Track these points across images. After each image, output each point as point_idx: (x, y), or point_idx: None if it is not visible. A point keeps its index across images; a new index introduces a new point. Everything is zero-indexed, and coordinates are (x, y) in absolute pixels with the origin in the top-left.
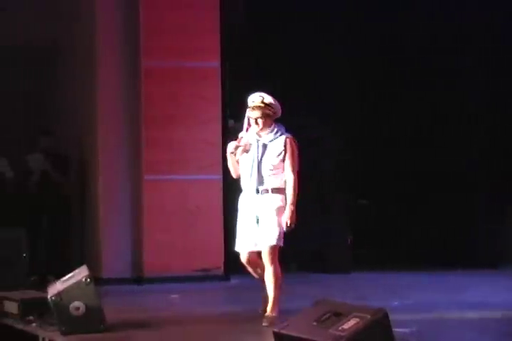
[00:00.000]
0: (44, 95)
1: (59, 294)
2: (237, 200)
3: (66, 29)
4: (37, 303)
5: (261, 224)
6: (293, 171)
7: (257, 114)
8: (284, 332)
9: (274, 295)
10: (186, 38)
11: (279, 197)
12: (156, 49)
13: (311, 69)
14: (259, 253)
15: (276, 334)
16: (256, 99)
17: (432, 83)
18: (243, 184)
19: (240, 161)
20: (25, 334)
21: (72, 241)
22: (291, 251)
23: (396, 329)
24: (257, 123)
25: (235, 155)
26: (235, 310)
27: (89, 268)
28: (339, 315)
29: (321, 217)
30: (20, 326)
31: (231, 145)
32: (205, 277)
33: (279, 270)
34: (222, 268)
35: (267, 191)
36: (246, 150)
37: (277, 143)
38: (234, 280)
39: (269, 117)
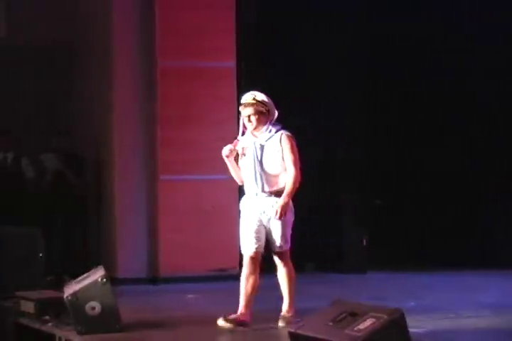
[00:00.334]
0: (61, 95)
1: (75, 294)
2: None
3: (83, 29)
4: (53, 303)
5: (268, 229)
6: (294, 165)
7: (249, 111)
8: (299, 332)
9: (289, 296)
10: (202, 38)
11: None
12: (172, 49)
13: (325, 68)
14: (260, 256)
15: (291, 334)
16: (247, 96)
17: (444, 83)
18: (246, 187)
19: (241, 165)
20: (41, 333)
21: (88, 241)
22: (308, 251)
23: (412, 330)
24: (250, 120)
25: (232, 158)
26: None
27: (105, 268)
28: (355, 315)
29: (337, 217)
30: (36, 325)
31: (226, 149)
32: (220, 277)
33: (293, 270)
34: (238, 268)
35: (270, 194)
36: (243, 154)
37: (274, 141)
38: None
39: (262, 115)
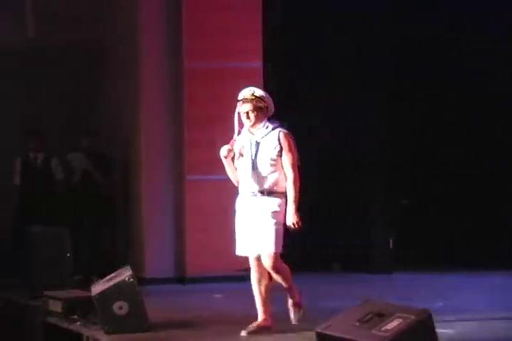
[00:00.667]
0: (88, 96)
1: (103, 293)
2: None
3: (110, 30)
4: (81, 302)
5: (257, 230)
6: (292, 167)
7: (248, 107)
8: (326, 332)
9: (288, 285)
10: (228, 39)
11: (276, 200)
12: (199, 50)
13: (351, 70)
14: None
15: (318, 334)
16: (246, 92)
17: (470, 84)
18: (240, 186)
19: (237, 165)
20: (69, 332)
21: (115, 241)
22: (334, 251)
23: (440, 331)
24: (248, 117)
25: (230, 158)
26: (277, 310)
27: (133, 267)
28: (382, 316)
29: (363, 217)
30: (64, 325)
31: (224, 149)
32: (247, 277)
33: (284, 268)
34: None
35: (263, 193)
36: (241, 154)
37: (270, 138)
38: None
39: (261, 111)
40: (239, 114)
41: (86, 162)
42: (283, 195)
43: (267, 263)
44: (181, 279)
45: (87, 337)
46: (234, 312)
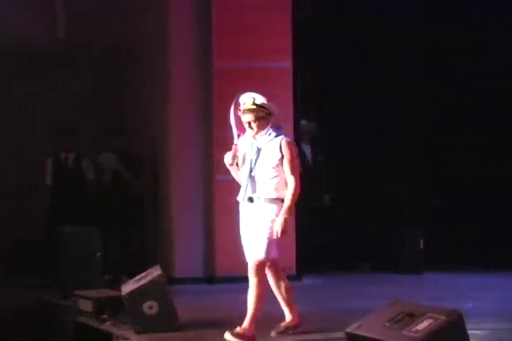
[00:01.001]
0: (118, 96)
1: (132, 293)
2: (309, 201)
3: (140, 30)
4: (111, 302)
5: (251, 235)
6: (294, 175)
7: (250, 117)
8: (356, 332)
9: (252, 312)
10: (258, 38)
11: (273, 207)
12: (228, 50)
13: (381, 69)
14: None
15: (348, 335)
16: (247, 100)
17: (501, 84)
18: (240, 192)
19: (241, 170)
20: (99, 332)
21: (145, 241)
22: (364, 251)
23: (471, 331)
24: (250, 127)
25: (235, 166)
26: (307, 310)
27: (162, 267)
28: (413, 316)
29: (393, 217)
30: (94, 324)
31: (227, 157)
32: None
33: (263, 286)
34: (295, 268)
35: (260, 200)
36: (244, 160)
37: (272, 146)
38: (306, 280)
39: (263, 119)
40: (237, 116)
41: (117, 162)
42: (281, 202)
43: (252, 269)
44: (210, 279)
45: (117, 337)
46: (262, 312)
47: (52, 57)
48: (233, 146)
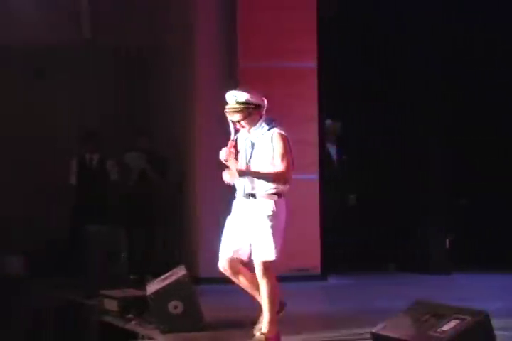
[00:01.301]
0: (143, 95)
1: (157, 293)
2: (334, 201)
3: (165, 30)
4: (136, 301)
5: (252, 235)
6: (283, 161)
7: (237, 117)
8: (382, 333)
9: (269, 316)
10: (283, 38)
11: (270, 203)
12: (253, 50)
13: (407, 68)
14: (240, 261)
15: (374, 335)
16: (229, 99)
17: None
18: (237, 188)
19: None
20: (124, 331)
21: (170, 240)
22: (390, 251)
23: (498, 332)
24: (241, 125)
25: (233, 161)
26: (331, 310)
27: (187, 267)
28: (439, 317)
29: (421, 216)
30: (120, 324)
31: (222, 153)
32: (302, 277)
33: (274, 285)
34: (320, 267)
35: (259, 196)
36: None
37: (265, 139)
38: (331, 280)
39: (251, 115)
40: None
41: (143, 162)
42: (277, 196)
43: (260, 271)
44: None
45: (143, 336)
46: (288, 312)
47: (78, 57)
48: (229, 142)
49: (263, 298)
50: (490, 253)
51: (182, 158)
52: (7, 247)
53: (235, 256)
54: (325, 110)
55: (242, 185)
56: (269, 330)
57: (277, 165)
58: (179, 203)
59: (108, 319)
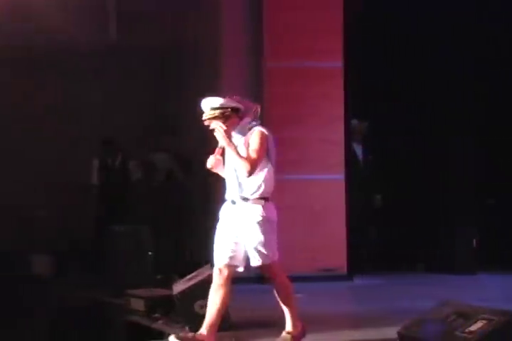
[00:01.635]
0: (169, 95)
1: (184, 292)
2: (360, 201)
3: (191, 30)
4: (163, 301)
5: (245, 242)
6: (253, 155)
7: (216, 123)
8: (408, 333)
9: (290, 310)
10: (309, 38)
11: (258, 208)
12: (280, 49)
13: (433, 67)
14: (236, 267)
15: (400, 335)
16: (205, 108)
17: None
18: (226, 193)
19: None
20: (151, 331)
21: (196, 240)
22: (418, 251)
23: None
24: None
25: (221, 168)
26: (358, 310)
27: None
28: (466, 317)
29: (447, 216)
30: (146, 323)
31: (210, 160)
32: (328, 277)
33: (285, 281)
34: (346, 268)
35: (244, 200)
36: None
37: (246, 139)
38: (357, 281)
39: (230, 118)
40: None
41: (170, 162)
42: (263, 200)
43: (264, 272)
44: (262, 278)
45: (169, 336)
46: (314, 312)
47: (104, 57)
48: (216, 149)
49: (280, 295)
50: None
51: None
52: (33, 247)
53: (231, 263)
54: (351, 110)
55: (232, 189)
56: (295, 326)
57: (247, 156)
58: (205, 203)
59: (134, 318)
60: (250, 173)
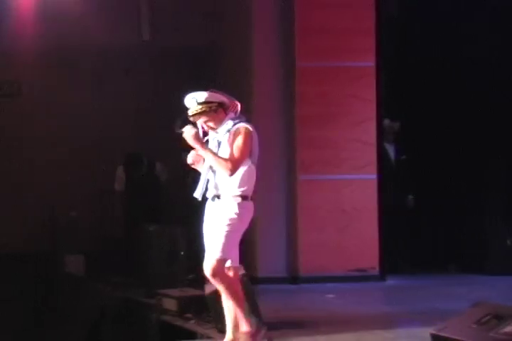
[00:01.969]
0: None
1: (216, 292)
2: (392, 201)
3: (223, 30)
4: (195, 301)
5: (209, 234)
6: (237, 152)
7: (200, 120)
8: (442, 334)
9: (240, 312)
10: (341, 37)
11: (233, 205)
12: (311, 49)
13: (467, 67)
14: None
15: (434, 337)
16: (190, 103)
17: None
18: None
19: None
20: (183, 330)
21: None
22: (450, 251)
23: None
24: (209, 127)
25: (200, 164)
26: (390, 311)
27: (246, 267)
28: (500, 318)
29: (480, 217)
30: (178, 323)
31: (190, 156)
32: (360, 277)
33: (231, 281)
34: (378, 268)
35: (219, 198)
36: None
37: (230, 135)
38: (390, 281)
39: (214, 113)
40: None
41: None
42: (241, 198)
43: (209, 269)
44: (294, 278)
45: (201, 335)
46: (346, 312)
47: (137, 58)
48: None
49: (226, 296)
50: None
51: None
52: (67, 246)
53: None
54: (383, 109)
55: (210, 186)
56: (248, 325)
57: (230, 154)
58: None
59: (167, 318)
60: (233, 172)
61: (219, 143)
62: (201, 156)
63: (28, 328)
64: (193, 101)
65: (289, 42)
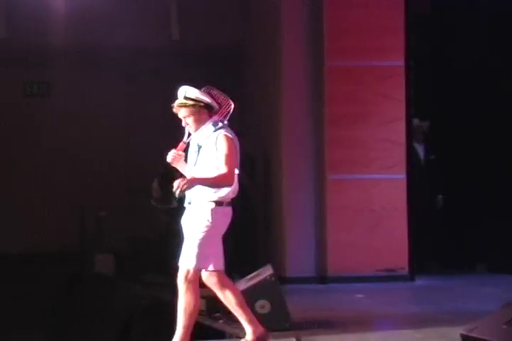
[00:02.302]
0: (230, 95)
1: (244, 292)
2: (422, 201)
3: (252, 30)
4: None
5: (185, 240)
6: (226, 165)
7: (183, 112)
8: (472, 334)
9: (183, 324)
10: (371, 36)
11: (206, 212)
12: (340, 48)
13: (498, 66)
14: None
15: (464, 337)
16: (179, 95)
17: None
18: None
19: None
20: (212, 330)
21: (257, 240)
22: (479, 251)
23: None
24: (186, 123)
25: (182, 163)
26: (419, 311)
27: (274, 267)
28: None
29: (510, 217)
30: (207, 322)
31: (169, 155)
32: (389, 277)
33: (193, 297)
34: (407, 268)
35: (193, 203)
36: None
37: (210, 141)
38: (419, 281)
39: (198, 113)
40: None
41: None
42: (214, 204)
43: (182, 277)
44: (323, 278)
45: (230, 335)
46: (375, 312)
47: (166, 58)
48: (180, 144)
49: (180, 306)
50: None
51: (269, 158)
52: (98, 246)
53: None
54: (413, 109)
55: (189, 192)
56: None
57: (221, 167)
58: (266, 203)
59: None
60: (231, 181)
61: (199, 148)
62: (182, 156)
63: (59, 328)
64: (183, 94)
65: (318, 42)
